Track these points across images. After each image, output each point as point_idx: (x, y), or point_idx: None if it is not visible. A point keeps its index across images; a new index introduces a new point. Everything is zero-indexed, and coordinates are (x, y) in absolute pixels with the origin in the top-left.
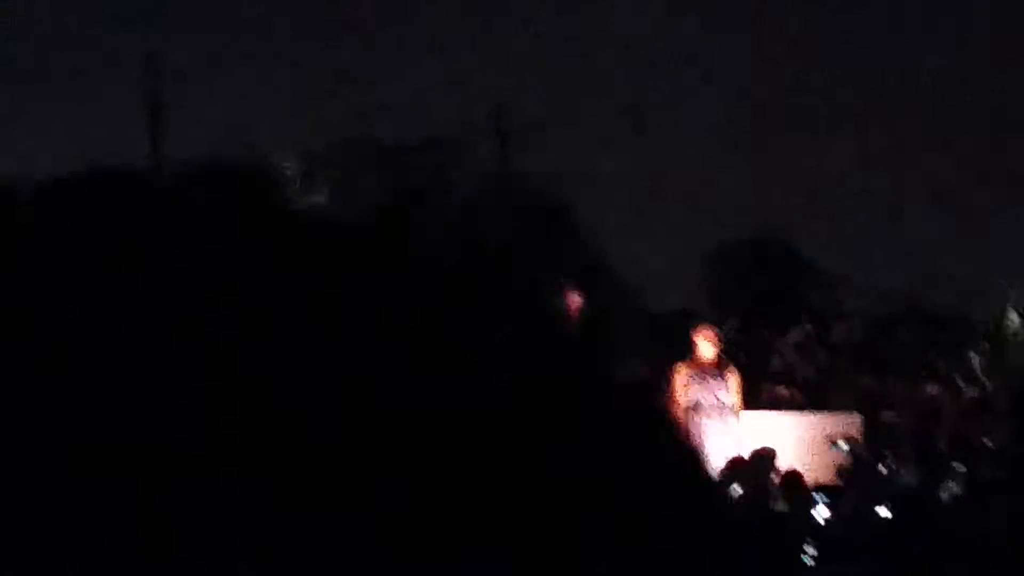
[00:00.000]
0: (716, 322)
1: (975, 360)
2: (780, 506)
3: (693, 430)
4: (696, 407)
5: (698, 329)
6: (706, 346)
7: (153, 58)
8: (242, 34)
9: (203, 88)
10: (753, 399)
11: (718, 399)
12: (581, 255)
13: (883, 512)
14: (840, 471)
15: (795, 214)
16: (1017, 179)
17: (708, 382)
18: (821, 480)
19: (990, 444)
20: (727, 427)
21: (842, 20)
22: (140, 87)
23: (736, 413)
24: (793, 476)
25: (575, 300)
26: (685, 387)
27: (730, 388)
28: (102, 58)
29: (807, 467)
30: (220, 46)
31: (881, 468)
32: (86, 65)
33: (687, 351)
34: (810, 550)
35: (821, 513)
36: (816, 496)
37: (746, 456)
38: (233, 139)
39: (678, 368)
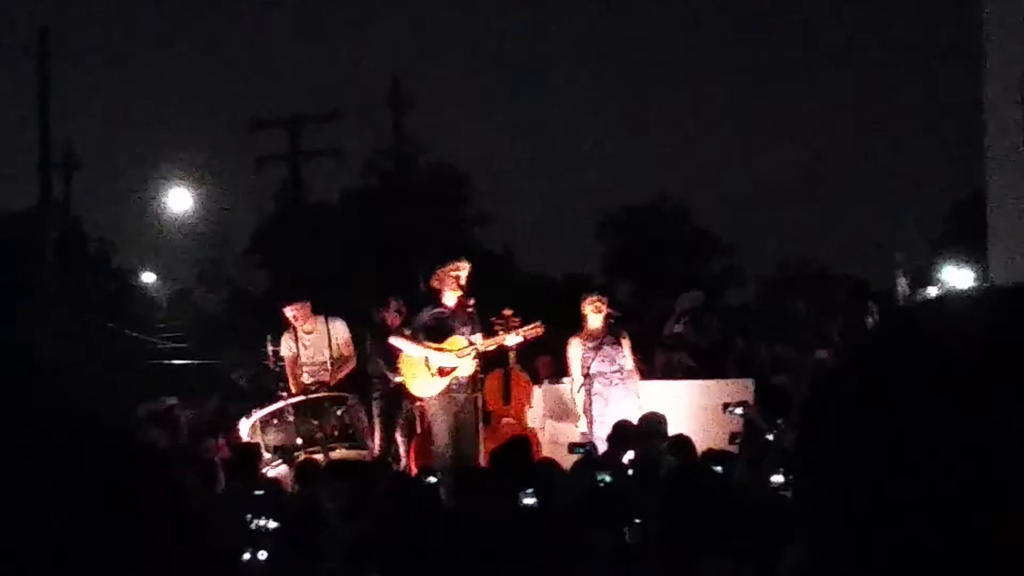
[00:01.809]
0: (609, 287)
1: (869, 324)
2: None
3: (591, 400)
4: (593, 377)
5: (587, 298)
6: (595, 316)
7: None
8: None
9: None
10: (646, 367)
11: (616, 365)
12: (472, 225)
13: (776, 478)
14: (733, 438)
15: (692, 181)
16: (910, 152)
17: (603, 350)
18: (715, 447)
19: None
20: (629, 392)
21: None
22: None
23: (635, 377)
24: (682, 440)
25: (393, 316)
26: (580, 359)
27: (625, 352)
28: None
29: (701, 434)
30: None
31: (770, 436)
32: None
33: (579, 319)
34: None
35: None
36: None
37: (634, 422)
38: (121, 116)
39: (571, 342)
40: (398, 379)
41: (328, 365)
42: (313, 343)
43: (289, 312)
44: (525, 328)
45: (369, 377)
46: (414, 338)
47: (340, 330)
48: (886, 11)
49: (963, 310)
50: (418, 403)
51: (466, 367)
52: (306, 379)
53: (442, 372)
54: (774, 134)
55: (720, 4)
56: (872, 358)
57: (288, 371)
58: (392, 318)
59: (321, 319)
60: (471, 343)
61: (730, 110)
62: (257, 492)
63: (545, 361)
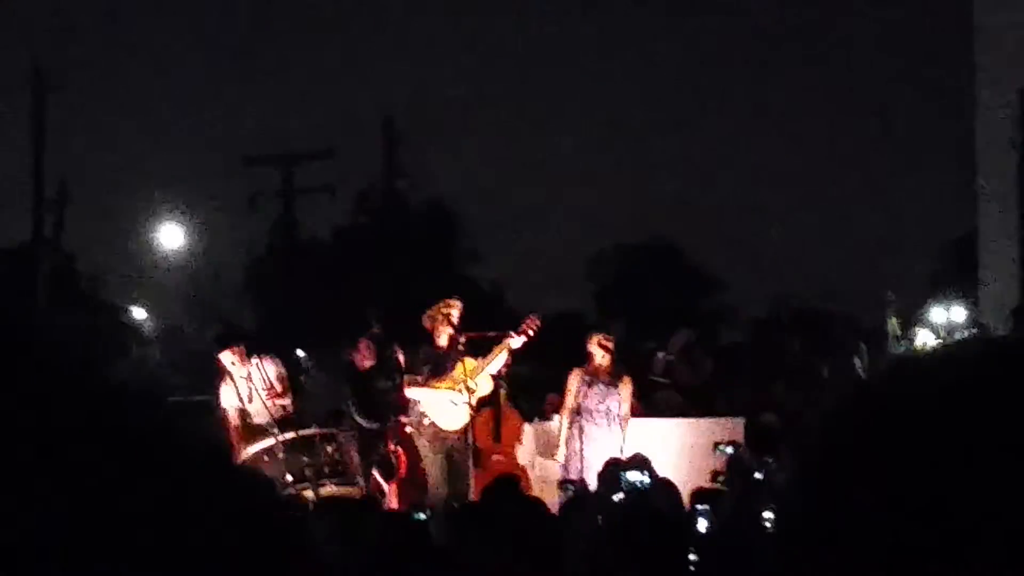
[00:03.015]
0: (600, 324)
1: (857, 364)
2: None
3: (575, 435)
4: (581, 411)
5: (592, 337)
6: (600, 353)
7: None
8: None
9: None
10: (636, 405)
11: (607, 407)
12: (460, 259)
13: (767, 514)
14: (716, 476)
15: (684, 220)
16: (901, 186)
17: (599, 389)
18: (704, 486)
19: None
20: (612, 434)
21: (734, 25)
22: None
23: (625, 422)
24: (664, 483)
25: (364, 355)
26: (576, 392)
27: (622, 396)
28: None
29: (690, 472)
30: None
31: (758, 475)
32: None
33: (574, 354)
34: (691, 556)
35: (701, 523)
36: (697, 507)
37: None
38: (114, 153)
39: (573, 372)
40: (427, 421)
41: (275, 402)
42: (252, 386)
43: (228, 357)
44: (522, 325)
45: (343, 416)
46: (426, 383)
47: (273, 367)
48: (879, 53)
49: (963, 366)
50: (395, 446)
51: (485, 387)
52: (257, 420)
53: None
54: (766, 174)
55: (714, 44)
56: (873, 419)
57: (231, 422)
58: (362, 359)
59: (254, 359)
60: (478, 362)
61: (722, 149)
62: None
63: (553, 398)
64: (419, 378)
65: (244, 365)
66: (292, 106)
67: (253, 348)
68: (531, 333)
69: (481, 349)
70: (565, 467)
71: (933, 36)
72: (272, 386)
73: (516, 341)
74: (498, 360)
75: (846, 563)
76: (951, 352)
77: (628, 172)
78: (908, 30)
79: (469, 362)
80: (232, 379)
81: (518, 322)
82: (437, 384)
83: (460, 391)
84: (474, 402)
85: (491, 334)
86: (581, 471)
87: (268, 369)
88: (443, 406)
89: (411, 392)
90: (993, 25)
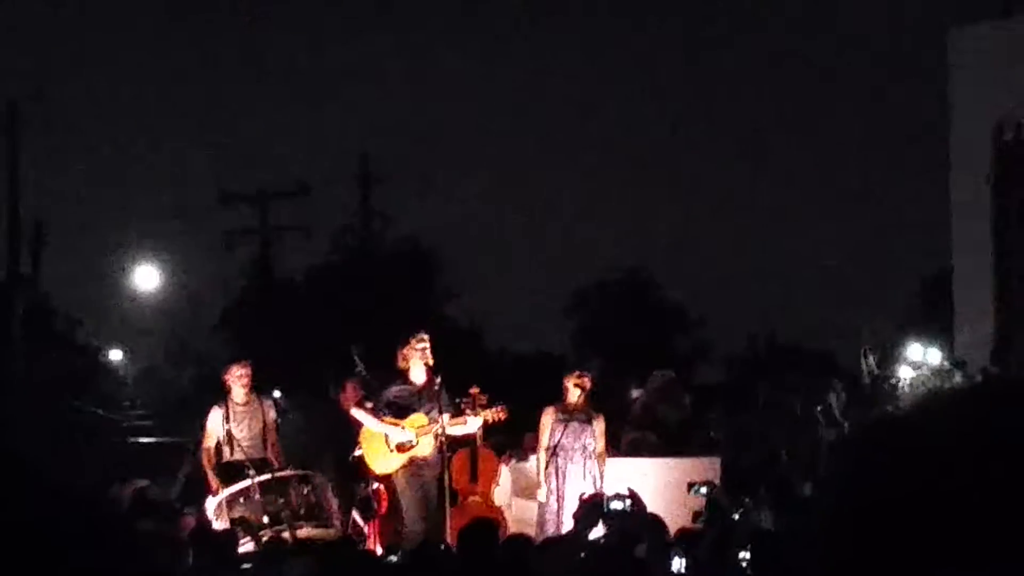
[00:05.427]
0: (578, 363)
1: (834, 401)
2: (639, 551)
3: (553, 473)
4: (557, 450)
5: (571, 374)
6: (575, 391)
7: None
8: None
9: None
10: (614, 444)
11: (583, 444)
12: (438, 301)
13: (743, 555)
14: (698, 516)
15: (661, 257)
16: (879, 222)
17: (571, 426)
18: (680, 525)
19: None
20: (587, 472)
21: (712, 63)
22: None
23: (601, 459)
24: (655, 520)
25: (351, 397)
26: (550, 430)
27: (596, 433)
28: None
29: (666, 512)
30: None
31: (736, 515)
32: None
33: (552, 393)
34: None
35: (676, 564)
36: (672, 548)
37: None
38: (89, 191)
39: (546, 410)
40: (357, 452)
41: (263, 442)
42: (245, 418)
43: (236, 372)
44: (488, 411)
45: (319, 458)
46: (375, 412)
47: (271, 409)
48: (855, 92)
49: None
50: (377, 485)
51: (425, 447)
52: (239, 456)
53: (400, 449)
54: (744, 210)
55: (689, 83)
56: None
57: (208, 455)
58: (347, 401)
59: (255, 394)
60: (432, 422)
61: (700, 187)
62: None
63: (531, 437)
64: (369, 404)
65: (246, 388)
66: (267, 144)
67: (256, 385)
68: (491, 421)
69: (453, 400)
70: (544, 506)
71: (908, 73)
72: (264, 423)
73: (475, 423)
74: (452, 431)
75: None
76: (978, 391)
77: (606, 210)
78: (883, 67)
79: (420, 418)
80: (227, 402)
81: (495, 396)
82: (387, 420)
83: (403, 435)
84: (407, 456)
85: (465, 400)
86: (560, 510)
87: (268, 410)
88: (377, 444)
89: (358, 413)
90: (967, 62)
